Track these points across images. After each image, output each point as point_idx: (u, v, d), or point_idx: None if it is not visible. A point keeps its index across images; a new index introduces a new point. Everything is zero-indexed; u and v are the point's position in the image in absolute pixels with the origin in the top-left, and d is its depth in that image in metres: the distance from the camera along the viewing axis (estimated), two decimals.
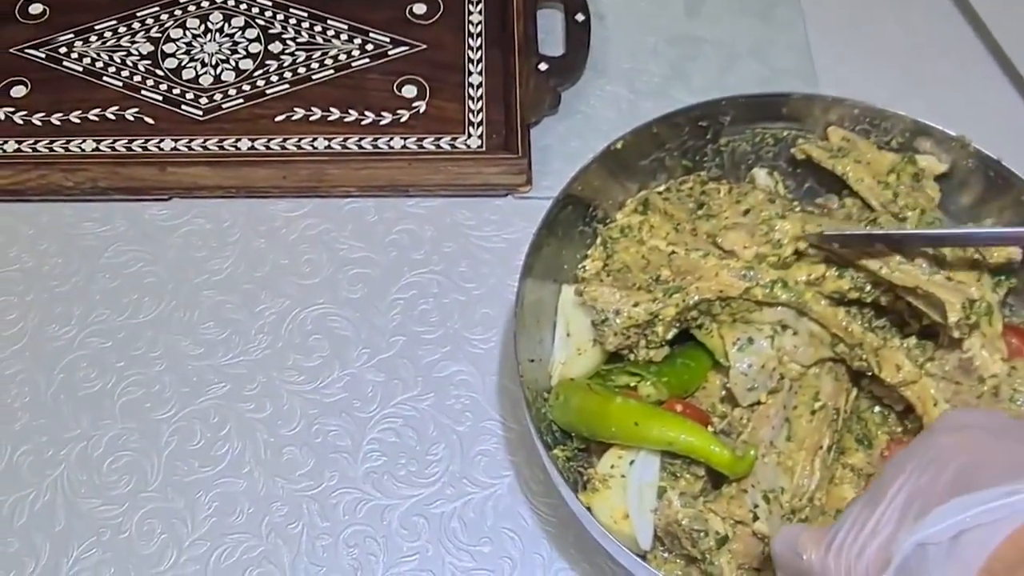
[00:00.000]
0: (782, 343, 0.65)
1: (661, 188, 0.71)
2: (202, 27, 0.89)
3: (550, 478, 0.69)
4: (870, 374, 0.64)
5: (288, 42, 0.88)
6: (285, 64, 0.87)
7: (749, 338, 0.65)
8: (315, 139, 0.82)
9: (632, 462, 0.62)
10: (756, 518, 0.60)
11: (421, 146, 0.82)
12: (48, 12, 0.90)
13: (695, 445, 0.61)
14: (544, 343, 0.68)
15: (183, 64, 0.87)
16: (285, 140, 0.82)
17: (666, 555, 0.62)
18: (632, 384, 0.66)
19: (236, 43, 0.88)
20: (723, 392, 0.67)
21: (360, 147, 0.82)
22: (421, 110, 0.84)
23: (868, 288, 0.65)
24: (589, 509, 0.61)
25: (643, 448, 0.62)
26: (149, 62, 0.87)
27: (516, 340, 0.63)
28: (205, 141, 0.82)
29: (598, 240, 0.70)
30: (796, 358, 0.65)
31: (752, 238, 0.65)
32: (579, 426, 0.65)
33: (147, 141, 0.82)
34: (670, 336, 0.65)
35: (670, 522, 0.60)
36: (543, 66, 0.85)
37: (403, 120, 0.83)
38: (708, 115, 0.71)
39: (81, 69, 0.87)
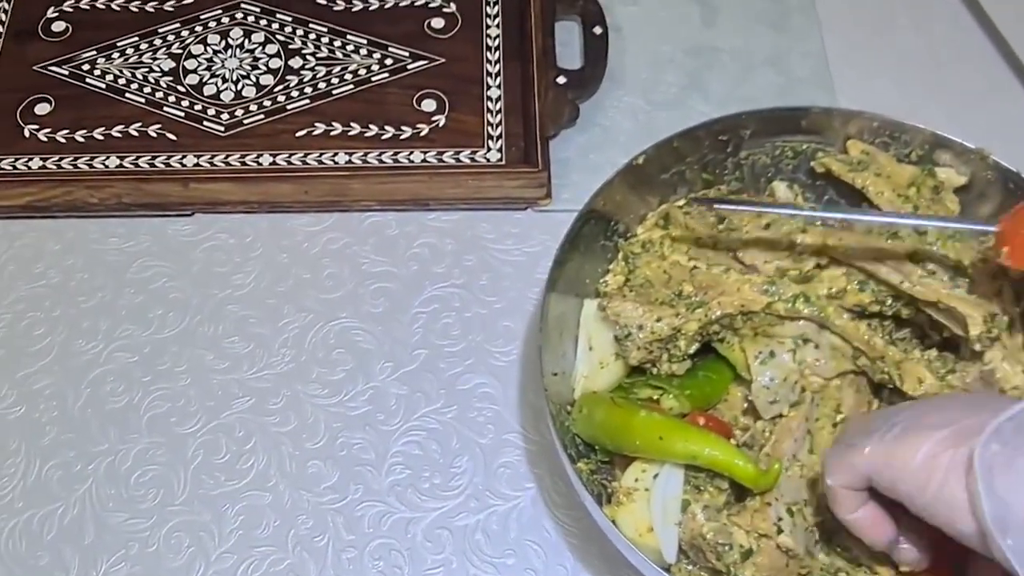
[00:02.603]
0: (804, 356, 0.65)
1: (681, 202, 0.72)
2: (223, 43, 0.90)
3: (573, 490, 0.70)
4: (891, 387, 0.65)
5: (308, 57, 0.89)
6: (305, 79, 0.87)
7: (771, 352, 0.65)
8: (336, 154, 0.83)
9: (656, 475, 0.63)
10: (780, 531, 0.60)
11: (441, 160, 0.83)
12: (71, 29, 0.91)
13: (719, 459, 0.61)
14: (567, 356, 0.69)
15: (204, 80, 0.88)
16: (306, 155, 0.83)
17: (691, 568, 0.62)
18: (655, 397, 0.67)
19: (257, 59, 0.89)
20: (745, 404, 0.68)
21: (381, 161, 0.83)
22: (440, 124, 0.85)
23: (889, 301, 0.65)
24: (614, 522, 0.61)
25: (667, 461, 0.63)
26: (171, 78, 0.88)
27: (541, 354, 0.64)
28: (227, 157, 0.83)
29: (619, 255, 0.71)
30: (818, 371, 0.65)
31: (773, 253, 0.66)
32: (603, 439, 0.65)
33: (170, 157, 0.83)
34: (692, 350, 0.66)
35: (695, 536, 0.61)
36: (561, 79, 0.86)
37: (423, 134, 0.84)
38: (728, 129, 0.71)
39: (104, 86, 0.88)
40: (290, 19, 0.91)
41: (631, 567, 0.61)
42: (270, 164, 0.83)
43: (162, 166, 0.83)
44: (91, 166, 0.83)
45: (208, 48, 0.90)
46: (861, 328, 0.65)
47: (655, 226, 0.70)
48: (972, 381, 0.63)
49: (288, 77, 0.88)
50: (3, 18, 0.92)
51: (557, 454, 0.63)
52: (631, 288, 0.68)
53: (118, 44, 0.90)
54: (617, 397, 0.66)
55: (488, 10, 0.90)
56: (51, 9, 0.92)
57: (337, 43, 0.89)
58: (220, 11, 0.91)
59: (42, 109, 0.86)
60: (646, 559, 0.58)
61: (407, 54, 0.88)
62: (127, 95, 0.87)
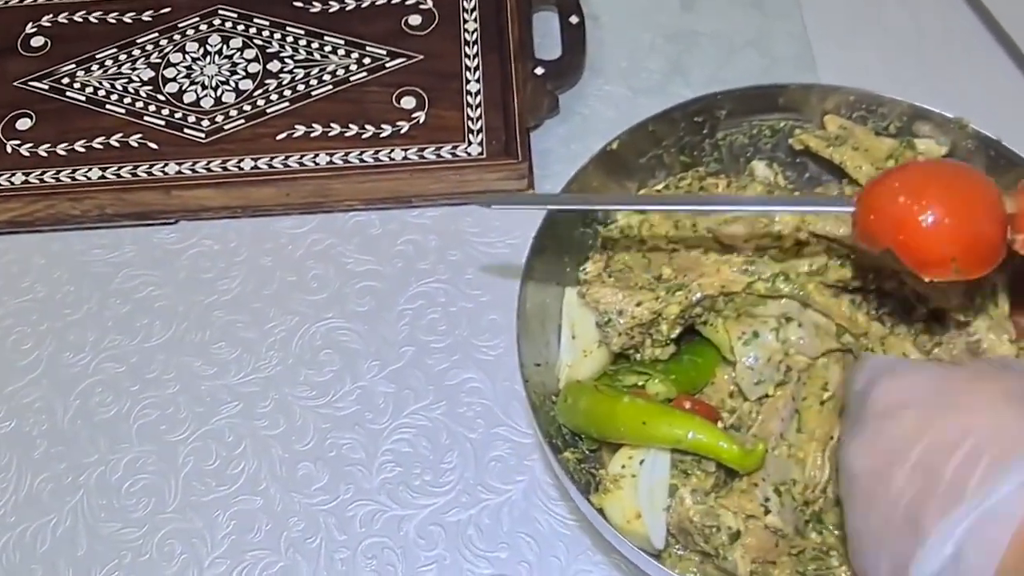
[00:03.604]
0: (787, 335, 0.64)
1: (660, 186, 0.71)
2: (201, 50, 0.90)
3: (564, 485, 0.69)
4: None
5: (286, 60, 0.88)
6: (284, 82, 0.87)
7: (754, 332, 0.64)
8: (317, 155, 0.83)
9: (643, 461, 0.62)
10: (768, 512, 0.60)
11: (422, 156, 0.82)
12: (49, 44, 0.91)
13: (703, 442, 0.60)
14: (550, 346, 0.69)
15: (184, 88, 0.88)
16: (287, 158, 0.83)
17: (681, 552, 0.62)
18: (640, 383, 0.66)
19: (235, 64, 0.89)
20: (732, 387, 0.67)
21: (362, 160, 0.82)
22: (421, 120, 0.84)
23: (871, 276, 0.64)
24: (601, 511, 0.61)
25: (653, 447, 0.62)
26: (150, 88, 0.88)
27: (519, 345, 0.64)
28: (209, 163, 0.83)
29: (598, 242, 0.70)
30: (802, 350, 0.65)
31: (751, 231, 0.65)
32: (588, 428, 0.65)
33: (152, 166, 0.83)
34: (675, 334, 0.65)
35: (682, 519, 0.60)
36: (539, 70, 0.86)
37: (403, 131, 0.84)
38: (704, 110, 0.71)
39: (84, 98, 0.88)
40: (267, 23, 0.91)
41: (624, 555, 0.61)
42: (252, 168, 0.83)
43: (144, 175, 0.83)
44: (73, 178, 0.83)
45: (187, 56, 0.90)
46: (843, 304, 0.64)
47: (634, 212, 0.70)
48: (959, 353, 0.63)
49: (267, 81, 0.87)
50: None
51: (532, 425, 0.63)
52: (611, 274, 0.67)
53: (97, 56, 0.90)
54: (601, 385, 0.66)
55: (465, 4, 0.90)
56: (29, 24, 0.92)
57: (315, 45, 0.89)
58: (197, 18, 0.91)
59: (23, 124, 0.87)
60: (634, 547, 0.58)
61: (385, 52, 0.88)
62: (107, 106, 0.87)
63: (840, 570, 0.61)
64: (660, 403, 0.64)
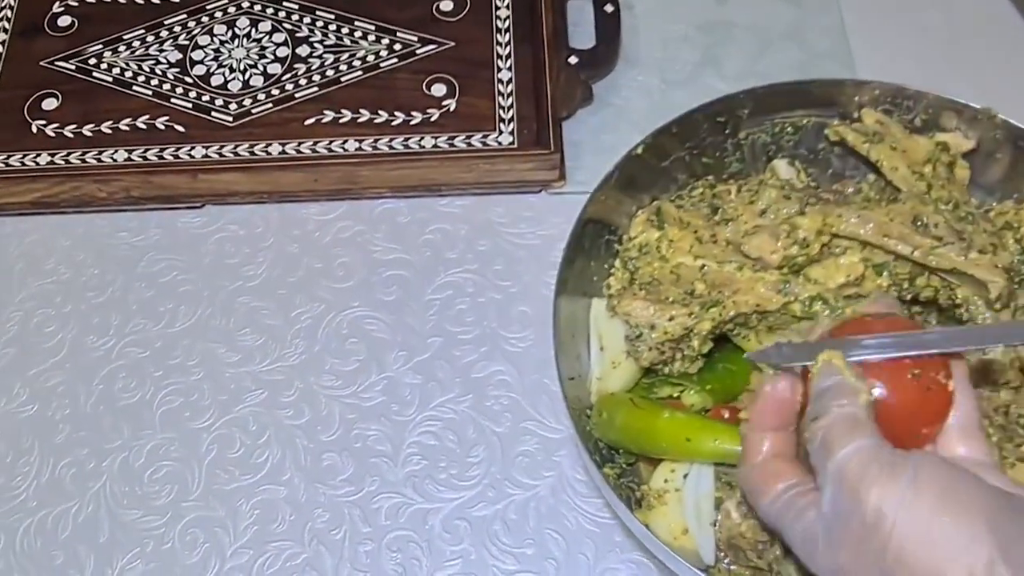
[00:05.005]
0: None
1: (672, 197, 0.70)
2: (229, 33, 0.89)
3: (593, 481, 0.69)
4: None
5: (316, 45, 0.87)
6: (313, 67, 0.86)
7: (789, 341, 0.63)
8: (346, 141, 0.82)
9: (686, 475, 0.61)
10: None
11: (452, 144, 0.81)
12: (77, 23, 0.90)
13: None
14: (581, 359, 0.67)
15: (211, 71, 0.87)
16: (316, 143, 0.82)
17: (732, 568, 0.60)
18: (675, 395, 0.65)
19: (264, 48, 0.88)
20: None
21: (391, 148, 0.81)
22: (451, 108, 0.83)
23: (906, 285, 0.63)
24: (647, 527, 0.59)
25: (697, 461, 0.61)
26: (178, 70, 0.87)
27: (557, 360, 0.62)
28: (236, 147, 0.82)
29: (616, 261, 0.68)
30: None
31: (776, 242, 0.63)
32: (626, 443, 0.63)
33: (178, 149, 0.82)
34: (706, 350, 0.63)
35: (733, 535, 0.59)
36: (573, 59, 0.84)
37: (433, 119, 0.82)
38: (726, 110, 0.69)
39: (111, 79, 0.87)
40: (296, 7, 0.89)
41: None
42: (279, 153, 0.82)
43: (171, 158, 0.82)
44: (99, 160, 0.82)
45: (215, 38, 0.89)
46: None
47: (646, 222, 0.68)
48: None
49: (296, 65, 0.86)
50: (9, 14, 0.91)
51: (576, 443, 0.61)
52: (641, 287, 0.65)
53: (124, 37, 0.89)
54: (637, 398, 0.64)
55: None
56: (57, 4, 0.91)
57: (345, 30, 0.88)
58: (226, 1, 0.90)
59: (49, 104, 0.86)
60: (688, 565, 0.55)
61: (416, 39, 0.87)
62: (134, 88, 0.86)
63: None
64: (701, 416, 0.62)
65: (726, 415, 0.63)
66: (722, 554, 0.60)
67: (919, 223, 0.62)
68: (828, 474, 0.45)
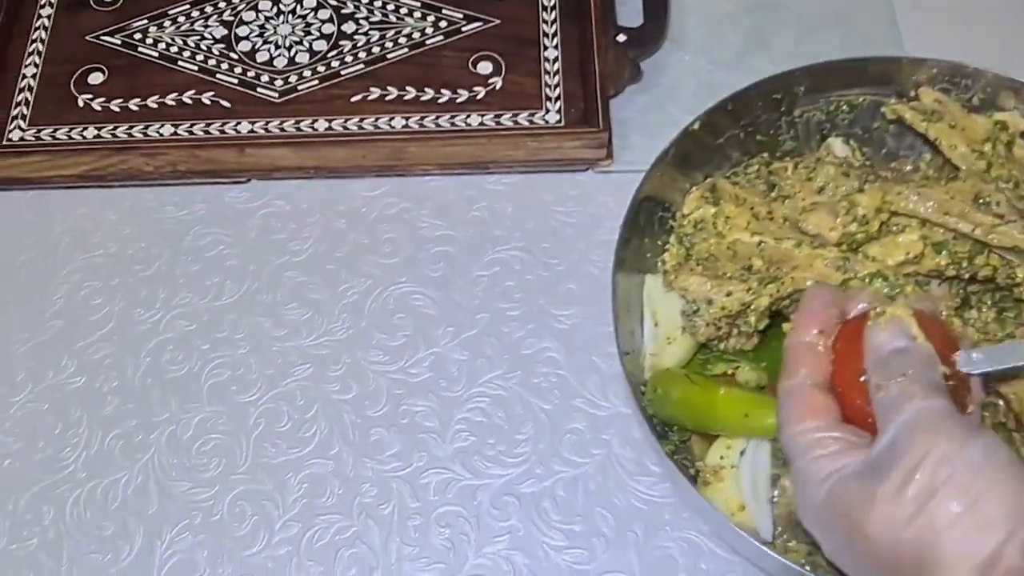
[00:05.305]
0: None
1: (727, 174, 0.69)
2: (274, 9, 0.89)
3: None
4: None
5: (361, 22, 0.87)
6: (359, 44, 0.86)
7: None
8: (392, 118, 0.81)
9: (743, 452, 0.61)
10: None
11: (499, 123, 0.81)
12: None
13: None
14: (635, 335, 0.67)
15: (257, 47, 0.87)
16: (362, 120, 0.82)
17: (788, 544, 0.60)
18: (730, 371, 0.64)
19: (309, 24, 0.87)
20: None
21: (437, 125, 0.81)
22: (497, 86, 0.83)
23: (965, 264, 0.62)
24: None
25: (754, 438, 0.61)
26: (223, 46, 0.87)
27: (617, 334, 0.62)
28: (282, 123, 0.82)
29: (672, 237, 0.68)
30: None
31: (835, 219, 0.63)
32: (682, 419, 0.63)
33: (224, 124, 0.82)
34: (762, 326, 0.63)
35: (790, 511, 0.58)
36: (621, 37, 0.84)
37: (479, 97, 0.82)
38: (782, 87, 0.69)
39: (156, 54, 0.87)
40: None
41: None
42: (326, 129, 0.81)
43: (217, 133, 0.82)
44: (146, 134, 0.82)
45: (260, 14, 0.88)
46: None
47: (701, 199, 0.67)
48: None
49: (341, 42, 0.86)
50: None
51: (625, 420, 0.60)
52: (697, 262, 0.65)
53: (170, 12, 0.89)
54: (693, 374, 0.64)
55: None
56: None
57: (390, 6, 0.88)
58: None
59: (95, 79, 0.86)
60: (749, 537, 0.55)
61: (461, 16, 0.87)
62: (180, 63, 0.86)
63: None
64: (758, 393, 0.62)
65: None
66: (779, 530, 0.60)
67: (980, 201, 0.62)
68: (898, 420, 0.47)
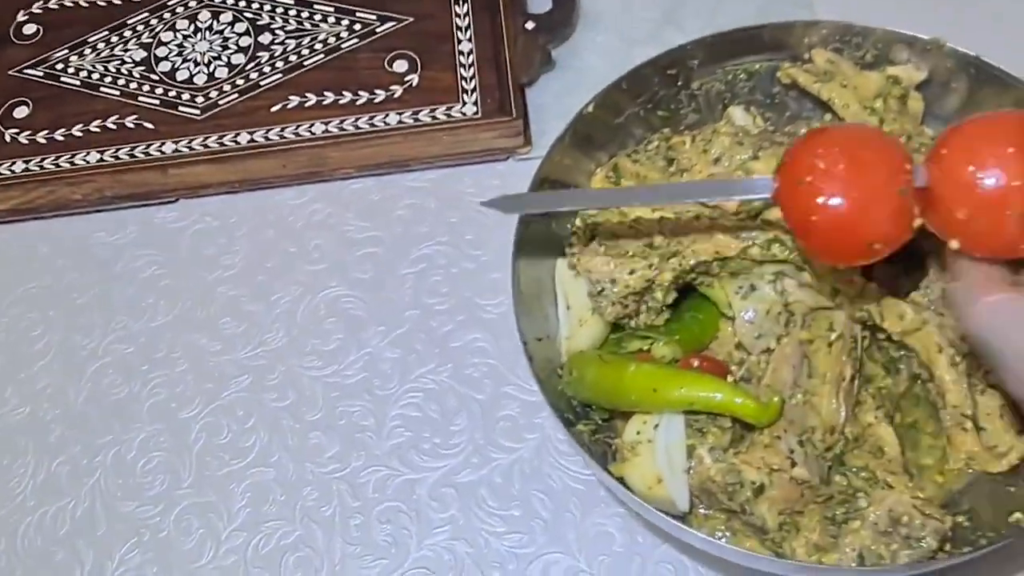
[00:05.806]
0: (784, 287, 0.63)
1: (628, 151, 0.70)
2: (192, 27, 0.90)
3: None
4: (871, 324, 0.63)
5: (277, 32, 0.88)
6: (276, 54, 0.87)
7: (751, 285, 0.63)
8: (312, 125, 0.82)
9: (657, 426, 0.62)
10: (794, 464, 0.59)
11: (417, 119, 0.82)
12: (42, 31, 0.91)
13: (718, 401, 0.60)
14: (549, 319, 0.68)
15: (176, 66, 0.87)
16: (283, 129, 0.83)
17: (706, 512, 0.61)
18: (645, 347, 0.65)
19: (226, 39, 0.88)
20: (737, 339, 0.66)
21: (357, 127, 0.82)
22: (414, 83, 0.84)
23: None
24: (622, 479, 0.60)
25: (666, 411, 0.62)
26: (143, 68, 0.88)
27: (519, 323, 0.63)
28: (205, 139, 0.83)
29: (576, 219, 0.69)
30: (801, 298, 0.63)
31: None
32: (598, 399, 0.64)
33: (148, 146, 0.83)
34: (670, 300, 0.64)
35: (704, 480, 0.59)
36: (530, 24, 0.85)
37: (397, 95, 0.83)
38: (676, 61, 0.70)
39: (79, 83, 0.88)
40: None
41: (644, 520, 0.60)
42: (248, 142, 0.83)
43: (141, 155, 0.83)
44: (72, 163, 0.83)
45: (178, 34, 0.89)
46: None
47: (605, 179, 0.68)
48: (936, 299, 0.62)
49: (259, 54, 0.87)
50: None
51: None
52: (600, 243, 0.66)
53: (89, 40, 0.90)
54: (606, 354, 0.65)
55: None
56: (21, 13, 0.92)
57: (305, 14, 0.89)
58: None
59: (20, 112, 0.87)
60: (659, 513, 0.57)
61: (375, 17, 0.87)
62: (102, 89, 0.87)
63: (868, 511, 0.59)
64: (668, 366, 0.63)
65: (696, 364, 0.64)
66: (696, 500, 0.61)
67: None
68: None
